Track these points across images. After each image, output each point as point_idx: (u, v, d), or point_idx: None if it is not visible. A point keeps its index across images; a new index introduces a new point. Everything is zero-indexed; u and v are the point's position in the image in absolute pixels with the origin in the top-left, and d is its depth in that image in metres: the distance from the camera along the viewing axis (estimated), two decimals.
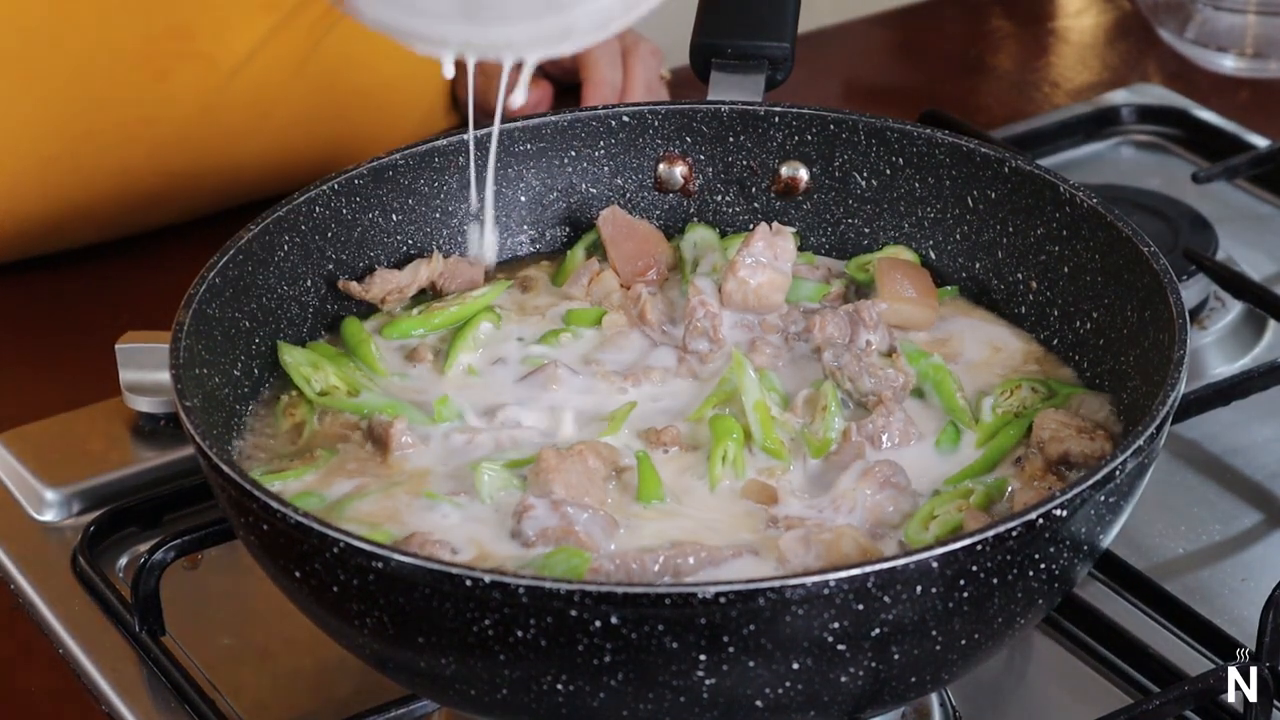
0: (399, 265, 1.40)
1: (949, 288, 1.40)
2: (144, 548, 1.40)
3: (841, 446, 1.25)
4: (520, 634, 1.05)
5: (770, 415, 1.27)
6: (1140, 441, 1.12)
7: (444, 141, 1.40)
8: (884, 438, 1.26)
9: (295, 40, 1.78)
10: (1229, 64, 2.02)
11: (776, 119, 1.43)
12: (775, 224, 1.37)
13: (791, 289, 1.37)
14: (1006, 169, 1.37)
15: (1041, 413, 1.27)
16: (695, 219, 1.45)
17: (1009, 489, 1.22)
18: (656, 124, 1.44)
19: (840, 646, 1.06)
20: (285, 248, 1.34)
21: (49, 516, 1.47)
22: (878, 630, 1.06)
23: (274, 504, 1.09)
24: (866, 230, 1.43)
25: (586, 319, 1.38)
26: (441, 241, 1.42)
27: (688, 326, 1.34)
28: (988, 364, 1.34)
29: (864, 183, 1.42)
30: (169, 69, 1.73)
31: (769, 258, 1.36)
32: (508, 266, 1.44)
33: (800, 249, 1.42)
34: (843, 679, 1.08)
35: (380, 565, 1.06)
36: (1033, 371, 1.33)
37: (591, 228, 1.44)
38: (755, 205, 1.45)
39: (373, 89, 1.85)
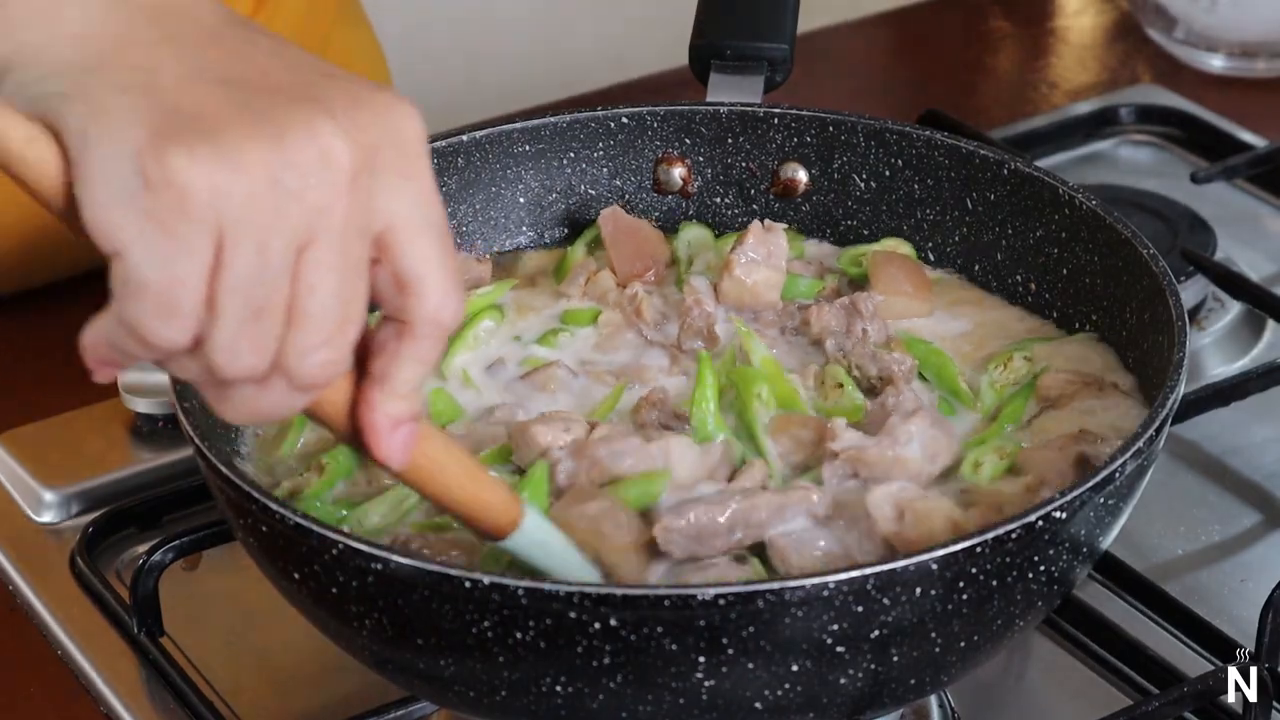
0: None
1: (939, 272, 1.39)
2: (143, 549, 1.40)
3: (868, 415, 1.25)
4: (519, 635, 1.05)
5: (784, 374, 1.27)
6: (1139, 443, 1.12)
7: (443, 143, 1.40)
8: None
9: None
10: (1218, 63, 2.02)
11: (775, 120, 1.43)
12: (767, 221, 1.37)
13: (786, 286, 1.37)
14: (1006, 171, 1.37)
15: (1043, 375, 1.26)
16: (694, 220, 1.45)
17: (1029, 449, 1.22)
18: (655, 125, 1.44)
19: (839, 648, 1.06)
20: None
21: (48, 517, 1.47)
22: (877, 632, 1.06)
23: (273, 505, 1.09)
24: (865, 232, 1.43)
25: (583, 319, 1.37)
26: None
27: (683, 325, 1.34)
28: (981, 344, 1.34)
29: (863, 184, 1.42)
30: None
31: (763, 255, 1.35)
32: (508, 266, 1.44)
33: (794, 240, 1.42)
34: (842, 681, 1.08)
35: (379, 567, 1.06)
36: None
37: (591, 226, 1.43)
38: (754, 207, 1.45)
39: None
